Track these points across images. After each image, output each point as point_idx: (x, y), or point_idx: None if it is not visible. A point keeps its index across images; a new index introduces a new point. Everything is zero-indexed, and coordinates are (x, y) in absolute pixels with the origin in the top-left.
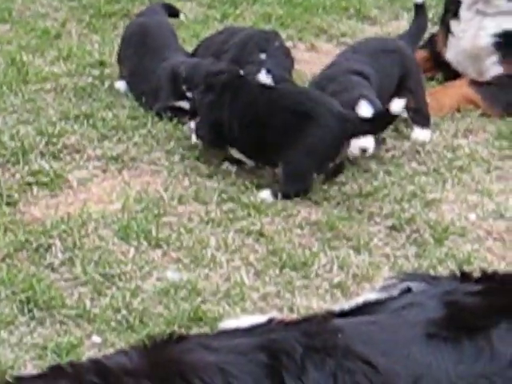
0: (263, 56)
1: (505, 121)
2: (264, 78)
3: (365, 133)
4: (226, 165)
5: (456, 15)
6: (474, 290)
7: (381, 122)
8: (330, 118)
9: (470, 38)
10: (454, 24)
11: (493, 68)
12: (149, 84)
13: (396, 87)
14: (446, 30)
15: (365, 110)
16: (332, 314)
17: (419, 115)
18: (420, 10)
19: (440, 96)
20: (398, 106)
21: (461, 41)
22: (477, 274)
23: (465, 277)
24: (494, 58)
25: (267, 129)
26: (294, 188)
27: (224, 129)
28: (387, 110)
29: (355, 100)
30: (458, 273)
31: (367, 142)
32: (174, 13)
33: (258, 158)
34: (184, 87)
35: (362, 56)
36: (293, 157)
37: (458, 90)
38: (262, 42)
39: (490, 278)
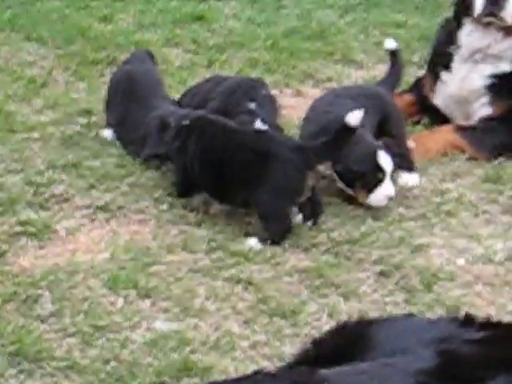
0: (253, 105)
1: (492, 164)
2: (260, 126)
3: (328, 157)
4: (213, 210)
5: (447, 67)
6: (474, 338)
7: (341, 140)
8: (288, 152)
9: (460, 82)
10: (444, 74)
11: (481, 110)
12: (136, 132)
13: (377, 132)
14: (435, 77)
15: None
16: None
17: (404, 160)
18: (394, 56)
19: (426, 141)
20: (354, 118)
21: (450, 86)
22: (480, 320)
23: (467, 321)
24: (485, 99)
25: (227, 169)
26: (277, 230)
27: (189, 172)
28: (344, 126)
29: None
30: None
31: (390, 189)
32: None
33: (223, 199)
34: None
35: (345, 100)
36: (261, 197)
37: (445, 135)
38: (250, 91)
39: (492, 327)
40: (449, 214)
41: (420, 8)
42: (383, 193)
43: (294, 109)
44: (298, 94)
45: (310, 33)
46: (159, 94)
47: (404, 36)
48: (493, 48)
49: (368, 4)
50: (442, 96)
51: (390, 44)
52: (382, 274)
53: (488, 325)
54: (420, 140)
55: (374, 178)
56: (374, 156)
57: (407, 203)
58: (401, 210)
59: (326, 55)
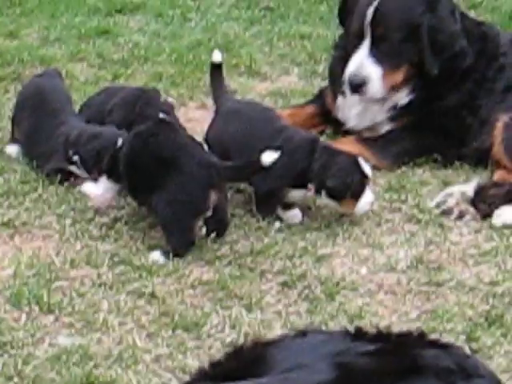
0: (162, 115)
1: (395, 173)
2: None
3: (230, 179)
4: (118, 225)
5: (343, 93)
6: (367, 351)
7: (248, 171)
8: (196, 166)
9: (360, 114)
10: (339, 98)
11: (385, 126)
12: (44, 147)
13: None
14: (335, 95)
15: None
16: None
17: None
18: (218, 68)
19: None
20: (269, 157)
21: (348, 114)
22: (371, 331)
23: (358, 334)
24: (389, 126)
25: (139, 174)
26: (179, 243)
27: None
28: (258, 160)
29: None
30: (351, 329)
31: (371, 194)
32: None
33: (139, 202)
34: (70, 152)
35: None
36: (162, 207)
37: (347, 146)
38: (152, 100)
39: (384, 338)
40: (352, 223)
41: (325, 19)
42: (368, 199)
43: (198, 122)
44: (203, 106)
45: (215, 45)
46: (68, 109)
47: (309, 47)
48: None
49: (273, 16)
50: (343, 114)
51: (217, 56)
52: (285, 284)
53: (379, 336)
54: None
55: (361, 185)
56: (358, 164)
57: (310, 214)
58: (304, 220)
59: (231, 67)
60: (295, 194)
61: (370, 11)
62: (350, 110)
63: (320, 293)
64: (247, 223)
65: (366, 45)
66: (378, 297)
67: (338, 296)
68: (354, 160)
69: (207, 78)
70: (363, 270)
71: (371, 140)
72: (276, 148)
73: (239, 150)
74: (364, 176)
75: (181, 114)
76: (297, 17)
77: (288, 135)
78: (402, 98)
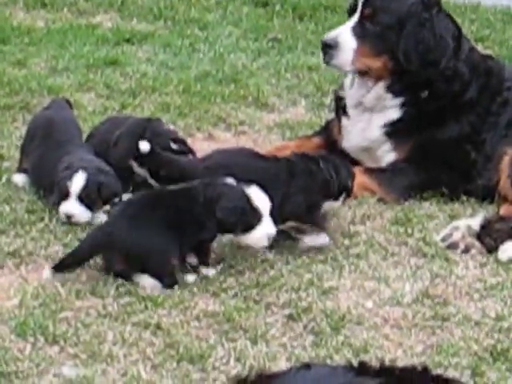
0: (174, 145)
1: (401, 206)
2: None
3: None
4: None
5: (345, 112)
6: None
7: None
8: None
9: (361, 131)
10: (344, 119)
11: (386, 156)
12: (50, 177)
13: None
14: (339, 121)
15: None
16: None
17: None
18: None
19: None
20: (144, 146)
21: (352, 134)
22: (375, 366)
23: (362, 369)
24: (387, 146)
25: None
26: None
27: None
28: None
29: None
30: (355, 363)
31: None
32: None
33: None
34: None
35: None
36: None
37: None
38: (161, 130)
39: (387, 372)
40: (358, 256)
41: None
42: (261, 233)
43: (205, 153)
44: (210, 137)
45: (223, 76)
46: (75, 140)
47: (316, 79)
48: (366, 98)
49: (281, 47)
50: (348, 141)
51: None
52: (290, 317)
53: (382, 371)
54: None
55: (253, 218)
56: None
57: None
58: (310, 253)
59: (238, 98)
60: None
61: None
62: (352, 129)
63: (325, 326)
64: (253, 255)
65: (353, 20)
66: (384, 330)
67: (344, 329)
68: (242, 192)
69: (215, 108)
70: (369, 304)
71: (378, 172)
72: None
73: None
74: (254, 208)
75: None
76: (305, 48)
77: None
78: (393, 110)
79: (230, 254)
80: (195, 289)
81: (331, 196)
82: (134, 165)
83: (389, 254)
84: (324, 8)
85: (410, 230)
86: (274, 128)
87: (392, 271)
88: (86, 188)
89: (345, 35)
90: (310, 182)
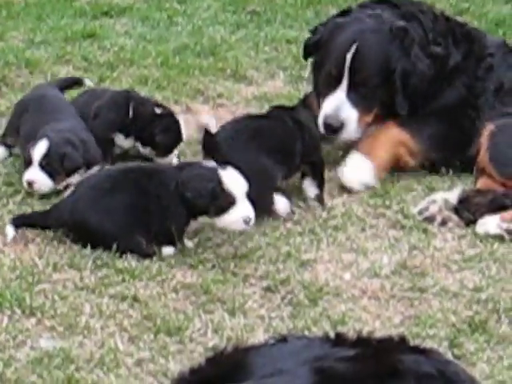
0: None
1: (379, 179)
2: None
3: None
4: None
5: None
6: (347, 356)
7: None
8: None
9: None
10: None
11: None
12: None
13: None
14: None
15: None
16: None
17: None
18: None
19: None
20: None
21: None
22: (351, 337)
23: (339, 340)
24: None
25: None
26: None
27: None
28: None
29: None
30: (332, 334)
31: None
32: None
33: None
34: None
35: None
36: None
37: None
38: (143, 99)
39: (364, 343)
40: (336, 228)
41: (311, 24)
42: (236, 216)
43: (183, 125)
44: (188, 110)
45: (201, 49)
46: (65, 112)
47: (295, 52)
48: None
49: (259, 20)
50: None
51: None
52: (268, 289)
53: (359, 342)
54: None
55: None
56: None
57: (295, 219)
58: (288, 225)
59: (217, 71)
60: None
61: (349, 56)
62: None
63: (303, 298)
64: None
65: (343, 88)
66: (362, 302)
67: (321, 301)
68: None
69: (193, 81)
70: (347, 276)
71: (408, 123)
72: None
73: None
74: (226, 190)
75: None
76: (283, 21)
77: None
78: None
79: (207, 226)
80: (173, 261)
81: None
82: (120, 137)
83: (367, 226)
84: None
85: (387, 202)
86: (252, 101)
87: (370, 243)
88: (46, 156)
89: (346, 110)
90: None
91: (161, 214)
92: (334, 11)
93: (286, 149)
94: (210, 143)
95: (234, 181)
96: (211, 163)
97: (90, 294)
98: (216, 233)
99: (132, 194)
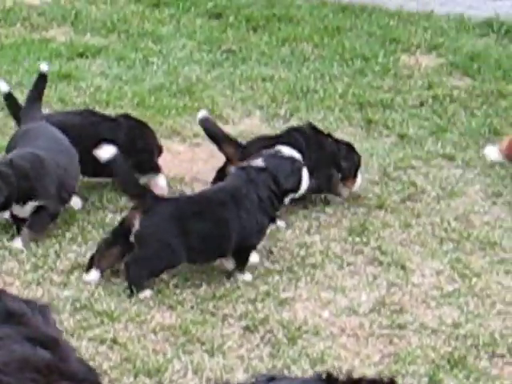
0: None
1: (357, 216)
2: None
3: None
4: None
5: None
6: None
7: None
8: None
9: None
10: None
11: None
12: None
13: None
14: None
15: None
16: None
17: None
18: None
19: None
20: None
21: None
22: (342, 378)
23: (330, 380)
24: None
25: None
26: None
27: None
28: None
29: None
30: (323, 375)
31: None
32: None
33: None
34: None
35: None
36: None
37: None
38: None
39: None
40: (314, 266)
41: (286, 62)
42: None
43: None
44: (165, 150)
45: (177, 89)
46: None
47: (271, 90)
48: None
49: (235, 59)
50: None
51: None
52: (247, 328)
53: (350, 382)
54: None
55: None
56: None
57: (273, 257)
58: (266, 264)
59: (193, 111)
60: None
61: None
62: None
63: (282, 337)
64: (209, 267)
65: None
66: (341, 340)
67: (300, 340)
68: None
69: (169, 121)
70: (325, 314)
71: None
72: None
73: None
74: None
75: None
76: (259, 59)
77: None
78: None
79: (186, 266)
80: (151, 302)
81: None
82: None
83: (345, 264)
84: (277, 19)
85: (365, 239)
86: None
87: (348, 281)
88: None
89: None
90: None
91: None
92: (309, 48)
93: None
94: None
95: None
96: None
97: (69, 337)
98: (194, 273)
99: None
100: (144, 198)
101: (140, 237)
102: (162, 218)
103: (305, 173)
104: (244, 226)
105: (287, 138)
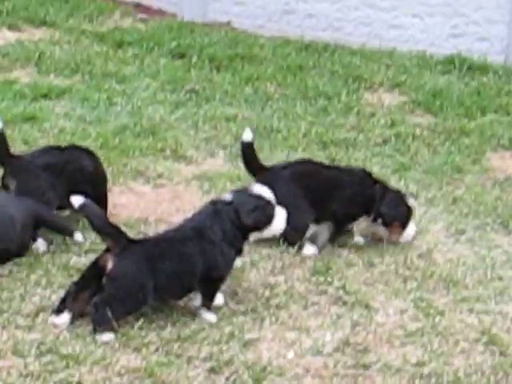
0: None
1: (321, 255)
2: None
3: None
4: (43, 314)
5: None
6: None
7: None
8: None
9: None
10: None
11: None
12: None
13: None
14: None
15: None
16: None
17: None
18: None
19: None
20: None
21: None
22: None
23: None
24: None
25: None
26: None
27: None
28: None
29: None
30: None
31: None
32: None
33: None
34: None
35: None
36: None
37: None
38: None
39: None
40: (278, 307)
41: (250, 101)
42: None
43: (124, 207)
44: (129, 191)
45: (141, 129)
46: None
47: (234, 129)
48: None
49: (198, 99)
50: None
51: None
52: (212, 370)
53: None
54: None
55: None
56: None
57: (237, 298)
58: (231, 304)
59: (156, 151)
60: None
61: None
62: None
63: (247, 378)
64: (174, 308)
65: None
66: (305, 381)
67: (266, 381)
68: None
69: (133, 162)
70: (290, 354)
71: None
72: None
73: None
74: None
75: None
76: (222, 99)
77: None
78: None
79: (150, 307)
80: (117, 345)
81: None
82: None
83: (309, 304)
84: (240, 58)
85: (329, 279)
86: (192, 180)
87: (312, 321)
88: None
89: None
90: None
91: None
92: (272, 88)
93: None
94: None
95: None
96: None
97: (35, 381)
98: (159, 314)
99: None
100: (118, 239)
101: (113, 278)
102: (135, 259)
103: (280, 213)
104: (209, 257)
105: None
